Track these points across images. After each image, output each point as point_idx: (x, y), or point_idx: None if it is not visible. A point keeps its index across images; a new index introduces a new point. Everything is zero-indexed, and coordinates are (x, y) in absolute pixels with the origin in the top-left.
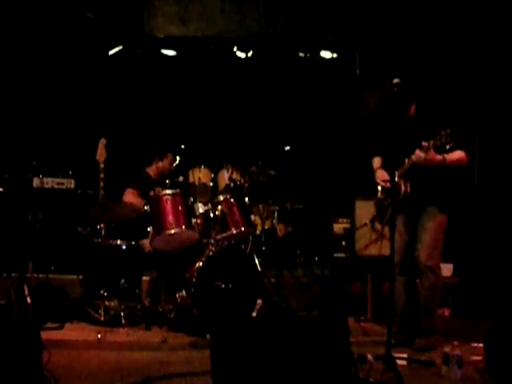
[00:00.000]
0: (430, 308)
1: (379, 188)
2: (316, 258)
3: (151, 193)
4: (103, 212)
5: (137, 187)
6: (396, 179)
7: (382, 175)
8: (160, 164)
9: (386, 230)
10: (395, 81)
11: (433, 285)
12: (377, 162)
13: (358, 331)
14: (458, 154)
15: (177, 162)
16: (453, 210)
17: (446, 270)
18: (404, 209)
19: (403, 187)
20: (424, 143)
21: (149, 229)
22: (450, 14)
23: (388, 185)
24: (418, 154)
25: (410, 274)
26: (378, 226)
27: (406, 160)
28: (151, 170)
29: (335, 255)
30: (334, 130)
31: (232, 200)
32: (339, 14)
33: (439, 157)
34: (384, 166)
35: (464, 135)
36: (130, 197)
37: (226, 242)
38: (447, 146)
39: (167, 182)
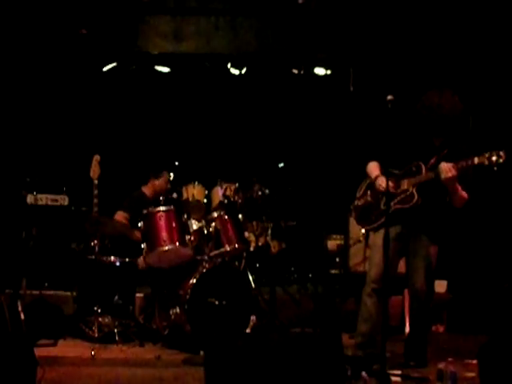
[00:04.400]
0: (422, 328)
1: (369, 192)
2: (310, 275)
3: (144, 210)
4: (97, 228)
5: (128, 209)
6: (407, 186)
7: (383, 182)
8: (156, 182)
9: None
10: (389, 97)
11: (424, 308)
12: (375, 168)
13: (351, 347)
14: (465, 195)
15: (171, 178)
16: (442, 242)
17: (440, 286)
18: (400, 221)
19: (416, 196)
20: (455, 162)
21: (143, 246)
22: (443, 29)
23: (393, 190)
24: (448, 169)
25: (385, 293)
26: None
27: (424, 169)
28: (147, 189)
29: (329, 272)
30: (328, 146)
31: (226, 217)
32: (333, 30)
33: (457, 184)
34: (385, 173)
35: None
36: (119, 219)
37: (219, 259)
38: (495, 168)
39: (161, 198)
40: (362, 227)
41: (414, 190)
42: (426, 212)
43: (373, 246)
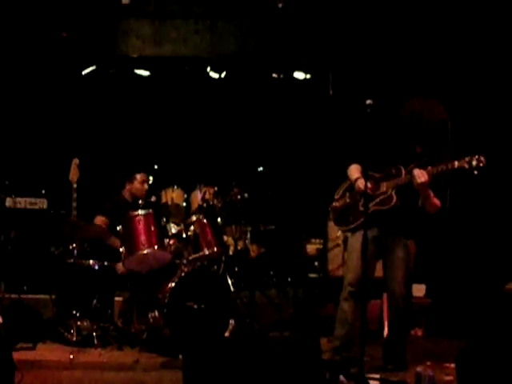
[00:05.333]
0: (401, 332)
1: (347, 194)
2: (289, 279)
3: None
4: (76, 232)
5: (107, 213)
6: (386, 188)
7: (362, 184)
8: (131, 186)
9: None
10: (368, 102)
11: (402, 311)
12: (356, 170)
13: (329, 351)
14: (438, 202)
15: (150, 181)
16: (418, 237)
17: (419, 290)
18: (377, 223)
19: (395, 198)
20: (430, 168)
21: (121, 249)
22: (422, 34)
23: (371, 192)
24: (421, 174)
25: (363, 297)
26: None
27: (403, 173)
28: (126, 193)
29: (308, 276)
30: (306, 150)
31: (205, 220)
32: (312, 35)
33: (429, 190)
34: (365, 176)
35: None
36: (98, 224)
37: (198, 263)
38: (475, 172)
39: (140, 202)
40: (340, 228)
41: (393, 193)
42: (403, 214)
43: (350, 248)
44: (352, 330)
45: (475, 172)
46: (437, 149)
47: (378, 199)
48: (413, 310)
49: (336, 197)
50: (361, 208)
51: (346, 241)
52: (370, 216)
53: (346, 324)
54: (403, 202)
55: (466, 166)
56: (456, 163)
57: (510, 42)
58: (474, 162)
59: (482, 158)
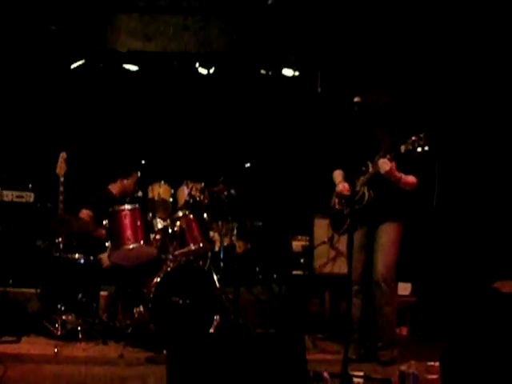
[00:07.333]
0: (391, 322)
1: (336, 200)
2: (274, 276)
3: (110, 208)
4: (62, 226)
5: (92, 206)
6: (359, 187)
7: (343, 187)
8: (125, 182)
9: (344, 247)
10: (356, 99)
11: (389, 300)
12: (338, 175)
13: (314, 349)
14: (412, 179)
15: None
16: (407, 219)
17: (404, 289)
18: (364, 221)
19: (367, 194)
20: (388, 155)
21: (107, 243)
22: (411, 31)
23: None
24: (383, 164)
25: (369, 290)
26: (336, 243)
27: (370, 167)
28: (114, 188)
29: (294, 273)
30: (294, 147)
31: (191, 216)
32: (301, 32)
33: (398, 174)
34: (346, 179)
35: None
36: (83, 217)
37: (184, 258)
38: (419, 149)
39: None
40: (336, 233)
41: (365, 189)
42: (383, 203)
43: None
44: (366, 321)
45: (418, 150)
46: (395, 132)
47: (356, 198)
48: (398, 308)
49: (331, 204)
50: (345, 211)
51: (332, 238)
52: (356, 215)
53: (360, 317)
54: (379, 191)
55: (410, 147)
56: (402, 147)
57: (508, 42)
58: (417, 142)
59: (421, 136)
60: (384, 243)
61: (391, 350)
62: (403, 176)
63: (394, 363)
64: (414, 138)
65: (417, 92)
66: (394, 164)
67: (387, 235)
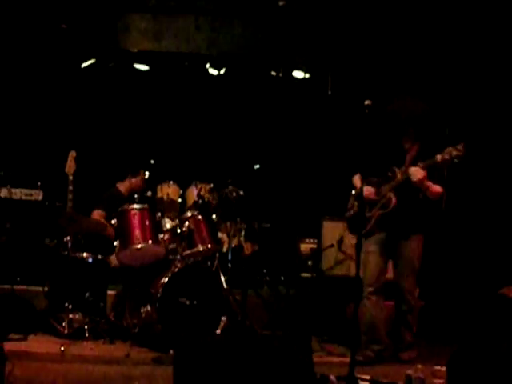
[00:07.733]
0: (413, 326)
1: (355, 203)
2: (282, 278)
3: (119, 208)
4: (70, 224)
5: (103, 207)
6: (387, 192)
7: (369, 191)
8: (133, 180)
9: (353, 250)
10: (367, 102)
11: (412, 307)
12: (359, 179)
13: (321, 351)
14: (438, 188)
15: (146, 176)
16: (427, 231)
17: None
18: (387, 226)
19: (394, 200)
20: (420, 163)
21: (115, 243)
22: (421, 35)
23: (374, 197)
24: (416, 171)
25: (383, 294)
26: (344, 247)
27: (398, 173)
28: (123, 186)
29: (301, 275)
30: (303, 149)
31: (199, 217)
32: (312, 34)
33: (428, 183)
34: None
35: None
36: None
37: (192, 259)
38: (455, 160)
39: (135, 196)
40: (355, 236)
41: (392, 195)
42: (406, 212)
43: (365, 252)
44: (375, 323)
45: (455, 161)
46: (424, 141)
47: (379, 204)
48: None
49: (348, 207)
50: (368, 214)
51: (340, 241)
52: (377, 221)
53: (369, 320)
54: (404, 199)
55: (447, 157)
56: (439, 157)
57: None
58: (455, 152)
59: (459, 147)
60: (410, 258)
61: (411, 351)
62: (430, 184)
63: (413, 363)
64: (451, 148)
65: (447, 101)
66: (425, 172)
67: (413, 250)
